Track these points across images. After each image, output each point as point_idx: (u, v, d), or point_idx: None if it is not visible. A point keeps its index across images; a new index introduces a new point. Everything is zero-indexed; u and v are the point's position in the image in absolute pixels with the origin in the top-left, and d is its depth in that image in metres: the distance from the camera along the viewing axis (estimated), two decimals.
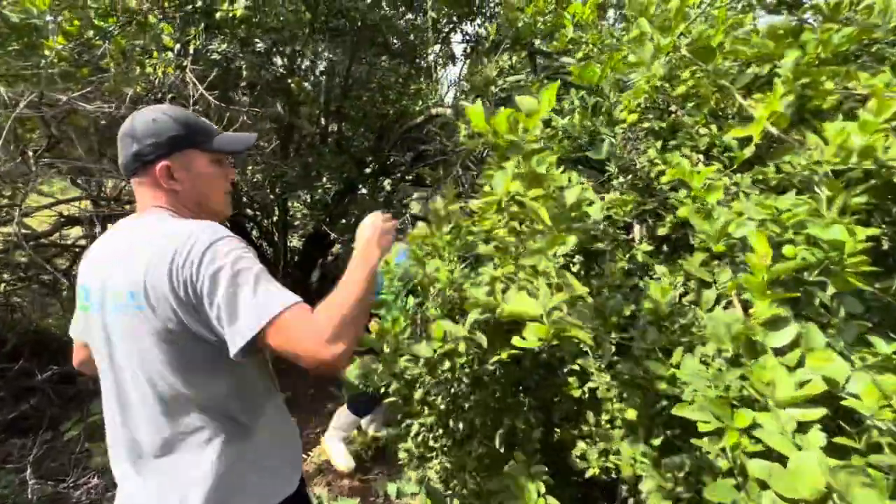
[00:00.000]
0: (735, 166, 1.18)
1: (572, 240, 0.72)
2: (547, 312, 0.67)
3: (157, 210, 0.98)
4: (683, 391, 0.93)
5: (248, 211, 4.03)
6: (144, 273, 0.85)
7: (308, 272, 5.02)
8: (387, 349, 1.34)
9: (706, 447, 0.69)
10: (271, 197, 3.35)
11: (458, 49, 4.77)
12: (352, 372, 1.39)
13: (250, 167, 3.35)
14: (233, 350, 0.82)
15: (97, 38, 1.76)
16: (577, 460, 1.43)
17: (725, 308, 0.93)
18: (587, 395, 1.45)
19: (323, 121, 4.17)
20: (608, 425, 1.41)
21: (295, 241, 5.50)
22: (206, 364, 0.90)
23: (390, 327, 1.27)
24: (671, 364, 0.93)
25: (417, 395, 1.54)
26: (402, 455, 1.88)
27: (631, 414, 1.04)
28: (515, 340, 0.70)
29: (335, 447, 2.75)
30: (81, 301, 1.00)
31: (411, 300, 1.37)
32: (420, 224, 1.38)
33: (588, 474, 1.40)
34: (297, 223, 5.25)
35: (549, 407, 1.51)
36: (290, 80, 2.96)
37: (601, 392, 1.40)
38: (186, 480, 0.90)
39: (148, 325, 0.86)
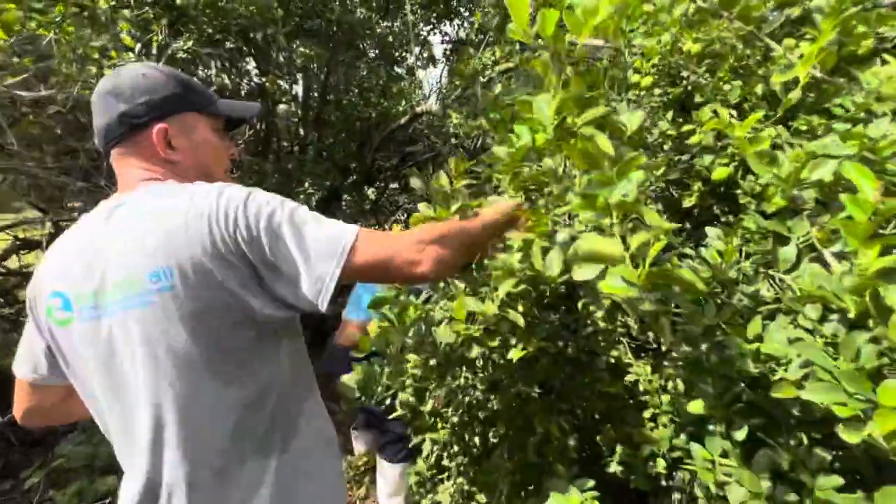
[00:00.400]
0: (779, 115, 1.03)
1: (639, 175, 0.56)
2: (633, 254, 0.50)
3: (149, 183, 0.79)
4: (770, 370, 0.76)
5: None
6: (172, 247, 0.69)
7: None
8: (391, 350, 1.14)
9: (847, 437, 0.52)
10: None
11: (437, 51, 4.68)
12: (350, 379, 1.19)
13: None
14: (320, 295, 0.71)
15: (41, 27, 1.56)
16: (618, 468, 1.24)
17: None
18: (624, 393, 1.27)
19: (302, 130, 3.98)
20: (651, 424, 1.23)
21: None
22: (244, 350, 0.76)
23: (395, 323, 1.08)
24: (748, 338, 0.76)
25: (427, 406, 1.34)
26: (412, 479, 1.66)
27: (696, 407, 0.86)
28: (602, 285, 0.53)
29: None
30: (54, 315, 0.77)
31: (413, 298, 1.18)
32: (421, 205, 1.20)
33: (633, 484, 1.21)
34: None
35: (576, 410, 1.32)
36: (264, 80, 2.78)
37: (643, 384, 1.22)
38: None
39: (179, 308, 0.70)
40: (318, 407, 0.93)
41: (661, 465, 1.16)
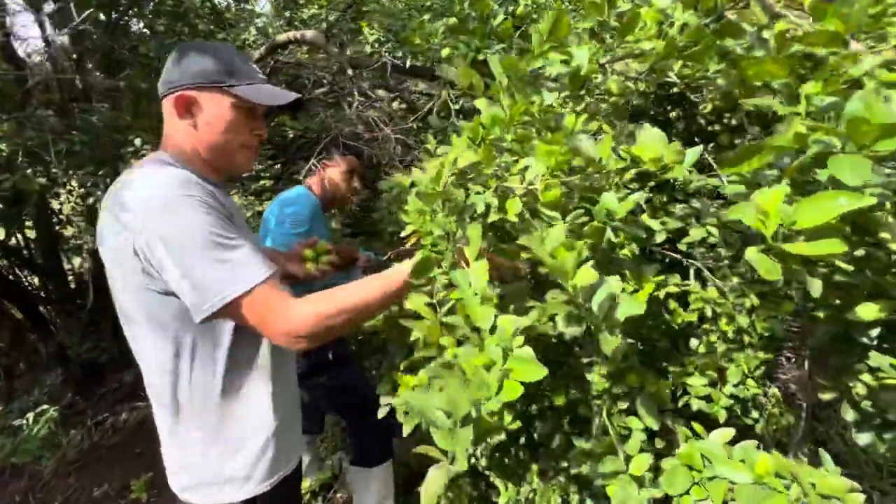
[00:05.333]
0: None
1: None
2: None
3: (152, 160, 0.94)
4: None
5: None
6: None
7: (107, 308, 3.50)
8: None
9: None
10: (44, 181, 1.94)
11: None
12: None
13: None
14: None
15: None
16: (700, 402, 1.12)
17: None
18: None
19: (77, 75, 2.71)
20: (724, 344, 1.13)
21: (80, 261, 3.78)
22: None
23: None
24: None
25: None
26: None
27: (870, 313, 0.75)
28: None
29: None
30: None
31: (476, 230, 0.78)
32: (480, 102, 0.77)
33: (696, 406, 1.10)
34: (72, 233, 3.55)
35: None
36: None
37: (716, 306, 1.10)
38: None
39: None
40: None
41: (751, 385, 1.07)
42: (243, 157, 1.00)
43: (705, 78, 0.93)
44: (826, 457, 1.07)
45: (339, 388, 1.76)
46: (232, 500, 0.97)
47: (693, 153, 0.79)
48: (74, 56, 2.89)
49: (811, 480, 0.71)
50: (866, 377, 0.90)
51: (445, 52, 1.67)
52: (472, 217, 0.79)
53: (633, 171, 0.71)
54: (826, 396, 1.06)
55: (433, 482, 0.68)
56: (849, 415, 0.96)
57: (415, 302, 0.77)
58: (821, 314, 0.86)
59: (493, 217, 0.78)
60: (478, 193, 0.80)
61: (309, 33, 2.39)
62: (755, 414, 1.13)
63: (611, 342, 0.63)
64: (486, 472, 1.40)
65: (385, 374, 1.03)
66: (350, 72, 2.08)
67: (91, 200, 1.87)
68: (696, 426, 0.89)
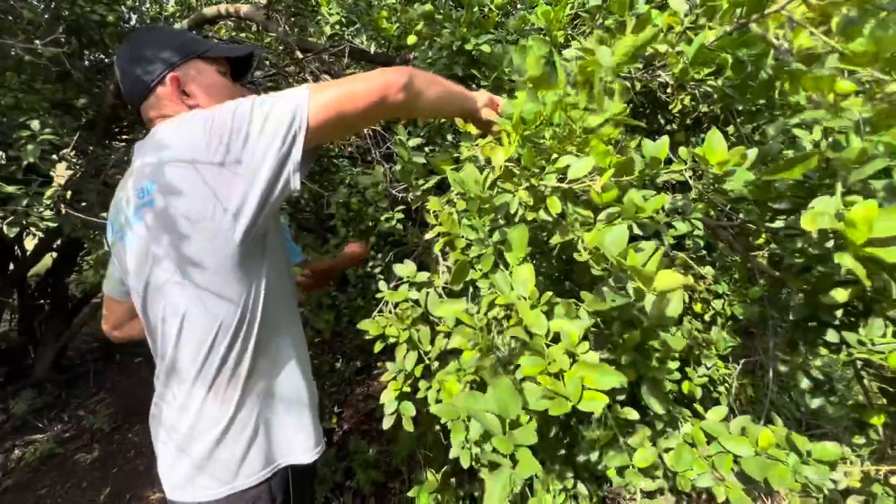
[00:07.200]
0: None
1: None
2: None
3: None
4: None
5: None
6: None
7: None
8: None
9: None
10: None
11: None
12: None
13: None
14: None
15: None
16: (672, 386, 1.22)
17: None
18: None
19: None
20: (698, 330, 1.23)
21: None
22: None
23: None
24: None
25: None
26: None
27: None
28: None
29: None
30: (109, 240, 0.95)
31: (521, 233, 0.76)
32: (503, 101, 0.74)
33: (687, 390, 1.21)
34: None
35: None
36: None
37: (698, 292, 1.19)
38: None
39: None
40: None
41: (721, 366, 1.19)
42: None
43: (694, 80, 0.99)
44: (778, 420, 1.22)
45: None
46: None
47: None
48: None
49: (807, 448, 0.81)
50: (823, 351, 1.04)
51: (412, 39, 1.60)
52: (506, 218, 0.76)
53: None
54: (784, 368, 1.21)
55: (496, 490, 0.65)
56: (803, 383, 1.10)
57: (450, 309, 0.73)
58: (798, 297, 0.97)
59: (529, 216, 0.76)
60: (507, 192, 0.78)
61: (244, 8, 2.14)
62: (721, 388, 1.25)
63: (678, 340, 0.65)
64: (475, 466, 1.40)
65: (393, 380, 0.97)
66: (299, 54, 1.91)
67: None
68: (697, 407, 0.96)
